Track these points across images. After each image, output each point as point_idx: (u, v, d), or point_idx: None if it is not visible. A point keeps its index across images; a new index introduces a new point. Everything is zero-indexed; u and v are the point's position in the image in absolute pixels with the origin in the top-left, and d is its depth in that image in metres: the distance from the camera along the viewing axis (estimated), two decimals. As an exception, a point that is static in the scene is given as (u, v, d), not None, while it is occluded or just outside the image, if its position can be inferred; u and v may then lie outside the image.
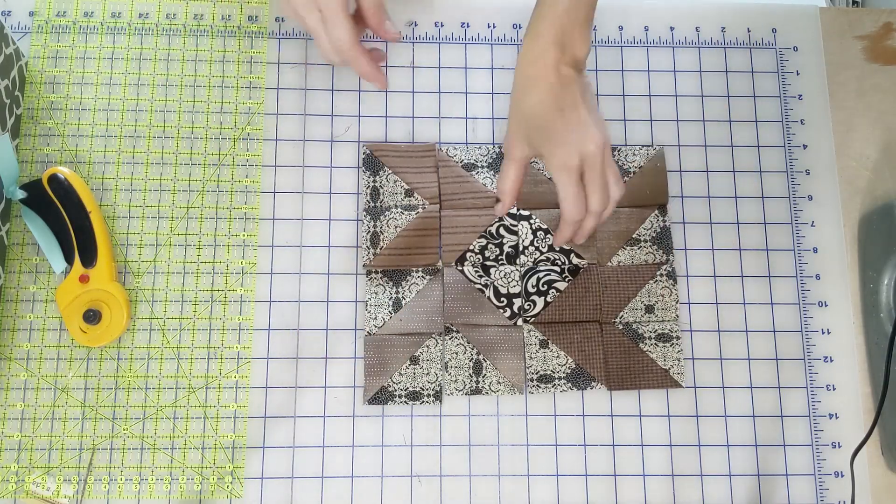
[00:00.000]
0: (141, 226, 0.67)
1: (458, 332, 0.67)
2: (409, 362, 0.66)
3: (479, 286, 0.68)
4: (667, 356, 0.67)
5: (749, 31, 0.75)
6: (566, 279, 0.68)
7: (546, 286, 0.68)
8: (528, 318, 0.67)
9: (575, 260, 0.68)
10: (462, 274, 0.68)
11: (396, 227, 0.68)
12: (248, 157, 0.69)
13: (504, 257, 0.68)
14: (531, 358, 0.67)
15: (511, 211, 0.69)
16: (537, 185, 0.70)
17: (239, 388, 0.65)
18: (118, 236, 0.67)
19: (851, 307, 0.69)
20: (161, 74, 0.70)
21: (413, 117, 0.71)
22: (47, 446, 0.63)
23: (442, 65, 0.73)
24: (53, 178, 0.64)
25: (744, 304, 0.69)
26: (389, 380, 0.66)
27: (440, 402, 0.66)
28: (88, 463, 0.62)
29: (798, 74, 0.74)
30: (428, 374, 0.66)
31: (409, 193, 0.69)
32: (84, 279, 0.64)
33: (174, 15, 0.72)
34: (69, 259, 0.64)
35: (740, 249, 0.70)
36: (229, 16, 0.72)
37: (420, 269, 0.68)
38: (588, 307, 0.68)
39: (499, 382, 0.66)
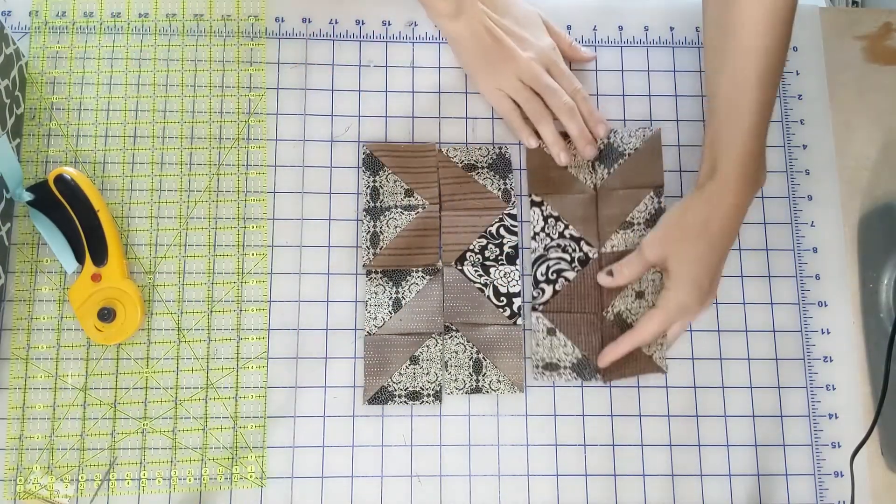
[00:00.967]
0: (146, 224, 0.67)
1: (457, 331, 0.67)
2: (408, 362, 0.66)
3: (479, 286, 0.68)
4: (651, 343, 0.67)
5: (749, 31, 0.75)
6: (575, 269, 0.68)
7: (555, 275, 0.68)
8: (536, 306, 0.67)
9: (585, 248, 0.68)
10: (462, 273, 0.68)
11: (396, 227, 0.68)
12: (248, 158, 0.69)
13: (504, 257, 0.68)
14: (538, 345, 0.66)
15: (515, 208, 0.69)
16: (550, 171, 0.70)
17: (239, 388, 0.65)
18: (123, 235, 0.67)
19: (851, 307, 0.69)
20: (161, 74, 0.70)
21: (413, 117, 0.71)
22: (68, 446, 0.63)
23: (442, 65, 0.73)
24: (59, 179, 0.64)
25: (743, 304, 0.69)
26: (389, 380, 0.66)
27: (440, 401, 0.66)
28: (110, 463, 0.62)
29: (798, 74, 0.74)
30: (428, 373, 0.66)
31: (409, 193, 0.69)
32: (96, 278, 0.64)
33: (174, 15, 0.72)
34: (80, 259, 0.64)
35: (740, 249, 0.70)
36: (229, 15, 0.72)
37: (420, 268, 0.68)
38: (593, 298, 0.68)
39: (499, 381, 0.66)
